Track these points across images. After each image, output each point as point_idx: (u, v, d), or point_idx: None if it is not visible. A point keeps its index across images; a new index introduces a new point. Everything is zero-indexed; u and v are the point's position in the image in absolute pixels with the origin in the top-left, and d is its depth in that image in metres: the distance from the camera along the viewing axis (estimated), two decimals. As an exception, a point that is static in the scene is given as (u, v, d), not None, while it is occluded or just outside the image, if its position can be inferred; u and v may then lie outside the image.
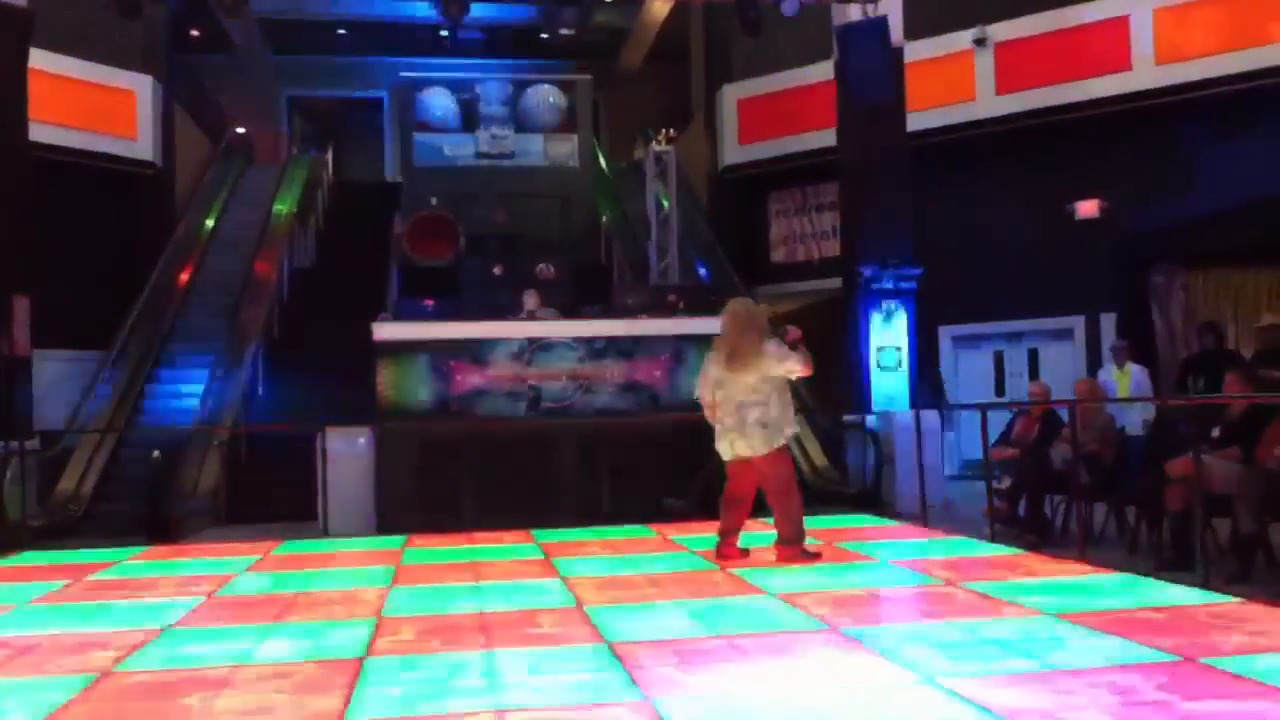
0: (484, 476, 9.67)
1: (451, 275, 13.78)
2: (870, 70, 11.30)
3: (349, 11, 21.39)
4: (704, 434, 7.04)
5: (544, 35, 21.10)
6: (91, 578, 7.18)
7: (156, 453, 10.09)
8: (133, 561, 7.96)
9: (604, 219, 16.87)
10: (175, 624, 5.39)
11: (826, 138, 12.61)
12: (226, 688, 4.04)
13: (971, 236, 13.65)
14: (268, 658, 4.58)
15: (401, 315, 10.90)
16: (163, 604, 5.96)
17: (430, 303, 11.13)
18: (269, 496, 10.71)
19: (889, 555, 7.21)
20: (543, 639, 4.80)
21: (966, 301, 13.78)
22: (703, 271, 15.10)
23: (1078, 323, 13.42)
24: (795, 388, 7.02)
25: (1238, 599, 5.14)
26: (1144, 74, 12.65)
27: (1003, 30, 13.57)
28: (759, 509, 7.06)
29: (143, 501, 9.94)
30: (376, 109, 24.08)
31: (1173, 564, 5.98)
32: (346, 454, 9.61)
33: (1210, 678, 3.78)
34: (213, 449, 11.09)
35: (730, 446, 6.74)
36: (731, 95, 16.10)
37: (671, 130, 16.31)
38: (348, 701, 3.79)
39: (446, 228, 14.52)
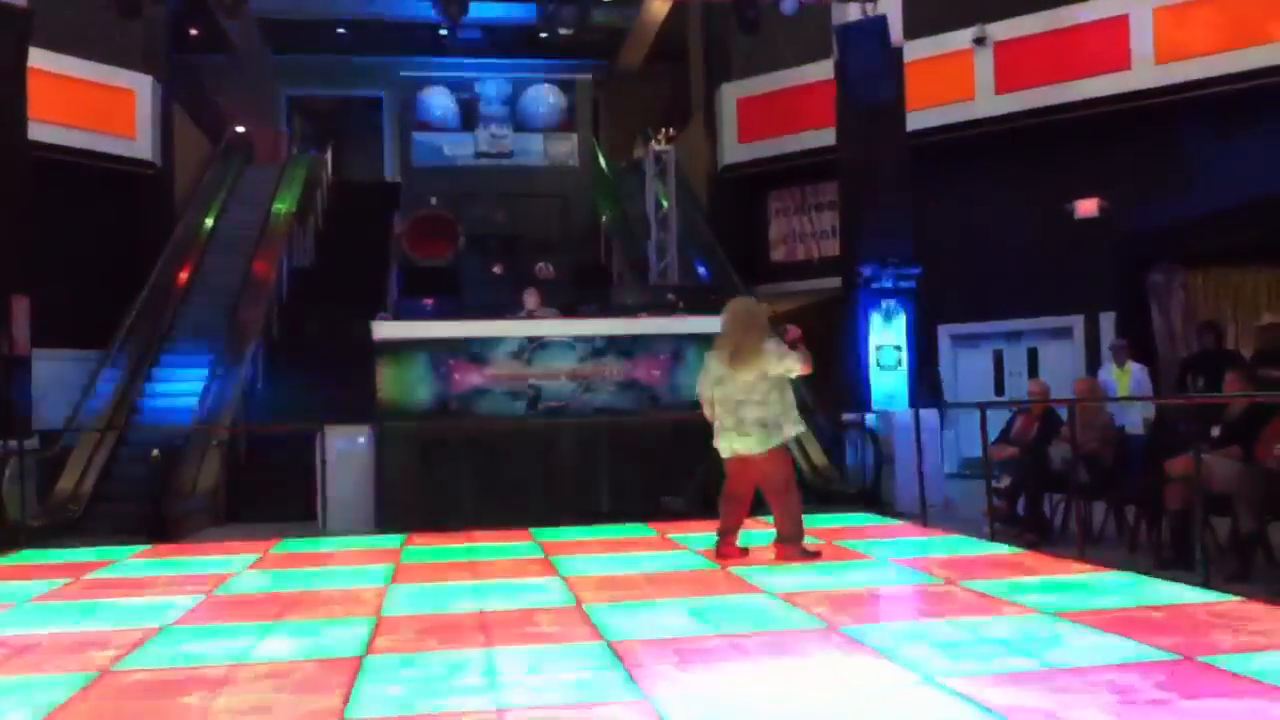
0: (483, 475, 9.67)
1: (451, 275, 13.75)
2: (870, 70, 11.31)
3: (348, 11, 21.38)
4: (703, 433, 7.04)
5: (543, 35, 21.07)
6: (90, 576, 7.17)
7: (156, 452, 10.08)
8: (132, 560, 7.96)
9: (604, 218, 16.85)
10: (174, 623, 5.39)
11: (826, 137, 12.60)
12: (226, 686, 4.04)
13: (971, 236, 13.64)
14: (267, 656, 4.58)
15: (401, 314, 10.90)
16: (162, 603, 5.95)
17: (430, 302, 11.13)
18: (268, 496, 10.74)
19: (888, 554, 7.21)
20: (542, 638, 4.80)
21: (966, 301, 13.78)
22: (702, 271, 15.08)
23: (1077, 322, 13.41)
24: (795, 386, 7.02)
25: (1237, 598, 5.14)
26: (1143, 73, 12.64)
27: (1002, 29, 13.56)
28: (758, 507, 7.06)
29: (142, 501, 9.93)
30: (376, 108, 24.08)
31: (1172, 563, 5.99)
32: (346, 453, 9.63)
33: (1209, 676, 3.78)
34: (212, 448, 11.07)
35: (729, 445, 6.75)
36: (731, 94, 16.09)
37: (671, 129, 16.32)
38: (347, 700, 3.79)
39: (446, 227, 14.50)
